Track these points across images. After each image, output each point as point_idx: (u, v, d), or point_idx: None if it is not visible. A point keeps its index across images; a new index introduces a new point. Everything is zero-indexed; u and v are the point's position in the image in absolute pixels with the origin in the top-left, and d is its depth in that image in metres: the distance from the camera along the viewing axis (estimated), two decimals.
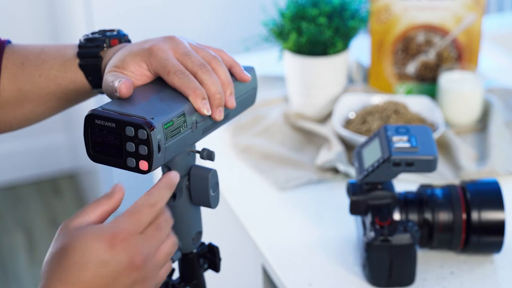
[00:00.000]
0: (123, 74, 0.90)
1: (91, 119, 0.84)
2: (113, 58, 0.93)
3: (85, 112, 2.48)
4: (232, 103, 0.91)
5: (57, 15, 2.79)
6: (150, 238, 0.77)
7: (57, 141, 3.01)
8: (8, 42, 1.03)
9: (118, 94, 0.87)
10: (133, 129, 0.82)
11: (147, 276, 0.77)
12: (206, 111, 0.88)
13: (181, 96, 0.88)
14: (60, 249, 0.75)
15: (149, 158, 0.82)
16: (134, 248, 0.76)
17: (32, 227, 2.78)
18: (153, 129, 0.82)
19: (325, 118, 1.54)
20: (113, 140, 0.84)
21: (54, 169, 3.04)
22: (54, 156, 3.02)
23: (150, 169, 0.83)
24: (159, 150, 0.83)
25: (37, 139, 2.98)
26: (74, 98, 1.01)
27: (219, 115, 0.89)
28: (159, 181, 0.80)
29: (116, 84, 0.87)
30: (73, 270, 0.74)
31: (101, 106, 0.85)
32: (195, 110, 0.88)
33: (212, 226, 1.21)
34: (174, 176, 0.80)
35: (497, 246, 1.15)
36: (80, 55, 0.98)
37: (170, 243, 0.80)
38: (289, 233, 1.26)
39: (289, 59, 1.54)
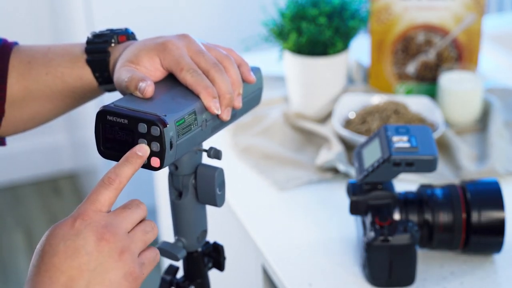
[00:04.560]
0: (137, 69, 0.90)
1: (103, 115, 0.84)
2: (125, 53, 0.93)
3: (87, 112, 2.48)
4: (238, 103, 0.91)
5: (57, 16, 2.79)
6: (117, 215, 0.78)
7: (57, 141, 3.01)
8: (16, 43, 1.03)
9: (140, 95, 0.87)
10: (146, 126, 0.82)
11: (124, 250, 0.77)
12: (216, 110, 0.88)
13: (192, 94, 0.89)
14: (35, 252, 0.77)
15: (161, 155, 0.83)
16: (97, 223, 0.76)
17: (32, 227, 2.78)
18: (166, 126, 0.82)
19: (325, 118, 1.54)
20: (125, 136, 0.84)
21: (54, 169, 3.04)
22: (54, 156, 3.02)
23: (161, 166, 0.83)
24: (171, 147, 0.83)
25: (37, 139, 2.98)
26: (80, 96, 1.01)
27: (226, 115, 0.90)
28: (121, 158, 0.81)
29: (143, 85, 0.87)
30: (44, 259, 0.75)
31: (112, 103, 0.85)
32: (205, 109, 0.88)
33: (212, 226, 1.20)
34: (139, 149, 0.81)
35: (497, 246, 1.15)
36: (87, 50, 0.98)
37: (147, 223, 0.80)
38: (289, 233, 1.26)
39: (289, 59, 1.54)
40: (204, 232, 0.99)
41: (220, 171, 0.93)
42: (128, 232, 0.78)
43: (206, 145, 0.94)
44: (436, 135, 1.42)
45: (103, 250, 0.75)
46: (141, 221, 0.81)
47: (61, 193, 2.96)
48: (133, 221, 0.79)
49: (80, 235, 0.75)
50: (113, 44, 0.98)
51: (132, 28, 1.04)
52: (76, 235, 0.75)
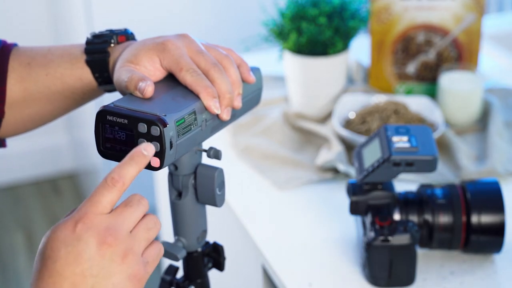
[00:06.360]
0: (137, 69, 0.90)
1: (102, 115, 0.84)
2: (125, 53, 0.93)
3: (87, 112, 2.48)
4: (238, 103, 0.92)
5: (57, 17, 2.79)
6: (118, 215, 0.76)
7: (57, 141, 3.01)
8: (15, 45, 1.03)
9: (140, 95, 0.87)
10: (146, 126, 0.82)
11: (127, 252, 0.75)
12: (216, 110, 0.88)
13: (192, 94, 0.89)
14: (37, 253, 0.76)
15: (161, 154, 0.83)
16: (98, 227, 0.75)
17: (32, 227, 2.78)
18: (166, 126, 0.82)
19: (325, 118, 1.54)
20: (125, 136, 0.84)
21: (54, 169, 3.04)
22: (54, 156, 3.02)
23: (161, 166, 0.83)
24: (171, 147, 0.83)
25: (37, 139, 2.98)
26: (80, 97, 1.01)
27: (226, 115, 0.90)
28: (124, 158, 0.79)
29: (143, 85, 0.87)
30: (47, 265, 0.75)
31: (112, 103, 0.85)
32: (205, 109, 0.88)
33: (212, 226, 1.21)
34: (145, 148, 0.78)
35: (497, 246, 1.15)
36: (87, 51, 0.98)
37: (149, 218, 0.79)
38: (289, 233, 1.26)
39: (289, 59, 1.54)
40: (204, 232, 0.99)
41: (220, 171, 0.93)
42: (131, 231, 0.77)
43: (206, 145, 0.94)
44: (436, 135, 1.42)
45: (105, 254, 0.74)
46: (143, 217, 0.79)
47: (61, 193, 2.96)
48: (134, 219, 0.78)
49: (82, 240, 0.74)
50: (112, 45, 0.98)
51: (131, 29, 1.04)
52: (78, 239, 0.74)
